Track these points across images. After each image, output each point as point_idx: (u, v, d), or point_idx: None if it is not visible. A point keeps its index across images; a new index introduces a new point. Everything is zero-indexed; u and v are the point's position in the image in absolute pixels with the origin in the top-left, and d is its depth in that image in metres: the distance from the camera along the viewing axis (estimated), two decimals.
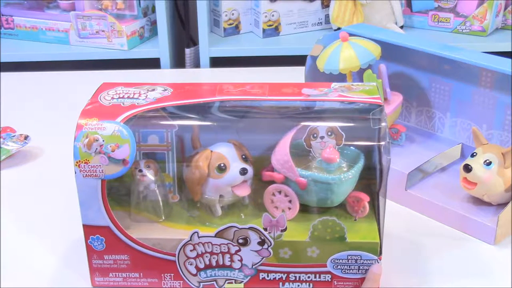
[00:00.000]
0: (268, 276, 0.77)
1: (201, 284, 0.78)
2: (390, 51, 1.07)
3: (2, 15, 1.65)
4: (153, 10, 1.65)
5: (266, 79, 0.85)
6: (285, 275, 0.77)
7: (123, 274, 0.78)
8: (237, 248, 0.76)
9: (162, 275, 0.78)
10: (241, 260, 0.76)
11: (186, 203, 0.81)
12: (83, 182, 0.73)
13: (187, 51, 1.68)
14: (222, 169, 0.77)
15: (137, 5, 1.60)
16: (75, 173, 0.73)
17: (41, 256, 0.87)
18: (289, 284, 0.78)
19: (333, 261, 0.76)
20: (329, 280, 0.77)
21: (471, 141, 1.03)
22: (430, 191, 0.97)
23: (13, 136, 1.13)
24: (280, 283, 0.78)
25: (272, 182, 0.79)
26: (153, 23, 1.66)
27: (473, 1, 1.58)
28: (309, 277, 0.77)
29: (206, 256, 0.76)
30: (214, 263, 0.76)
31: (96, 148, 0.72)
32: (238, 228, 0.75)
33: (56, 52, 1.60)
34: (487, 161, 0.90)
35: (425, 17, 1.65)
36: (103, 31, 1.57)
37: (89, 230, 0.76)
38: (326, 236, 0.75)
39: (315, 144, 0.81)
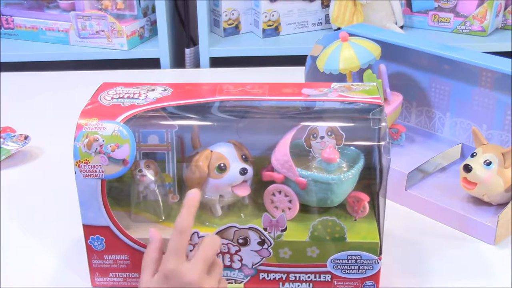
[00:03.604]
0: (268, 276, 0.77)
1: None
2: (390, 51, 1.07)
3: (2, 15, 1.65)
4: (153, 10, 1.65)
5: (266, 79, 0.85)
6: (285, 275, 0.77)
7: (123, 274, 0.78)
8: (237, 248, 0.76)
9: None
10: (241, 260, 0.76)
11: None
12: (83, 182, 0.73)
13: (187, 51, 1.68)
14: (222, 169, 0.77)
15: (137, 5, 1.60)
16: (75, 173, 0.73)
17: (41, 256, 0.87)
18: (289, 284, 0.78)
19: (333, 261, 0.76)
20: (329, 280, 0.77)
21: (471, 141, 1.03)
22: (430, 191, 0.97)
23: (13, 136, 1.13)
24: (280, 283, 0.78)
25: (272, 182, 0.79)
26: (153, 23, 1.66)
27: (473, 1, 1.58)
28: (309, 277, 0.77)
29: None
30: None
31: (96, 148, 0.72)
32: (238, 228, 0.75)
33: (56, 52, 1.60)
34: (487, 161, 0.90)
35: (425, 17, 1.65)
36: (103, 31, 1.57)
37: (89, 230, 0.76)
38: (326, 236, 0.75)
39: (315, 144, 0.81)
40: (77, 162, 0.72)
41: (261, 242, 0.75)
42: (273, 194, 0.80)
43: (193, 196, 0.70)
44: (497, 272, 0.83)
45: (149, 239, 0.72)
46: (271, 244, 0.75)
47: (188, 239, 0.69)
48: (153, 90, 0.79)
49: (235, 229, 0.75)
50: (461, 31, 1.61)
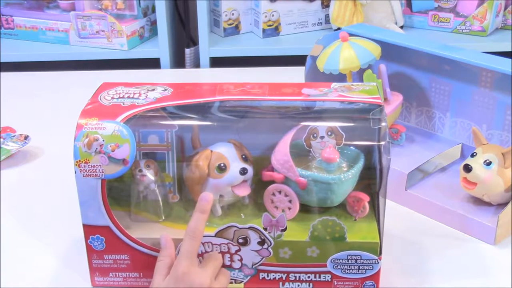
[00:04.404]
0: (268, 276, 0.77)
1: None
2: (390, 51, 1.07)
3: (2, 15, 1.65)
4: (153, 10, 1.65)
5: (266, 79, 0.85)
6: (285, 275, 0.77)
7: (123, 274, 0.78)
8: (237, 248, 0.76)
9: None
10: (241, 260, 0.76)
11: (186, 203, 0.81)
12: (83, 182, 0.73)
13: (187, 51, 1.68)
14: (222, 169, 0.77)
15: (137, 5, 1.60)
16: (75, 173, 0.73)
17: (41, 256, 0.87)
18: (289, 284, 0.78)
19: (333, 261, 0.76)
20: (329, 280, 0.77)
21: (471, 141, 1.03)
22: (430, 191, 0.97)
23: (13, 136, 1.13)
24: (280, 283, 0.78)
25: (272, 182, 0.79)
26: (153, 23, 1.66)
27: (473, 1, 1.58)
28: (309, 277, 0.77)
29: None
30: None
31: (96, 148, 0.72)
32: (238, 228, 0.75)
33: (56, 52, 1.60)
34: (487, 161, 0.90)
35: (425, 17, 1.65)
36: (103, 31, 1.57)
37: (89, 230, 0.76)
38: (326, 236, 0.75)
39: (315, 144, 0.81)
40: (77, 162, 0.72)
41: (261, 242, 0.75)
42: (273, 194, 0.80)
43: (206, 201, 0.72)
44: (497, 272, 0.83)
45: (161, 245, 0.74)
46: (271, 244, 0.75)
47: (200, 243, 0.71)
48: (153, 90, 0.79)
49: (235, 229, 0.75)
50: (461, 31, 1.61)
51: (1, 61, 1.57)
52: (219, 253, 0.76)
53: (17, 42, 1.65)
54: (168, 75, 1.58)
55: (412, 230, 0.92)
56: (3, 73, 1.52)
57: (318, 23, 1.69)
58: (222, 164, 0.77)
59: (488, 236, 0.88)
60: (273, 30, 1.65)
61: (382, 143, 0.74)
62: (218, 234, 0.75)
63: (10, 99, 1.39)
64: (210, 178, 0.78)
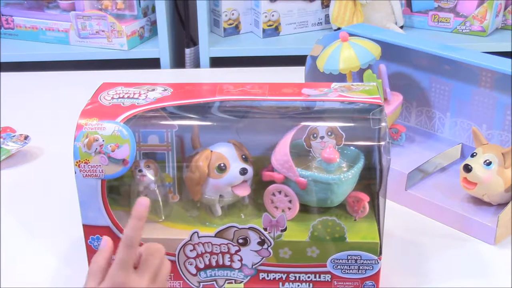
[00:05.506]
0: (268, 276, 0.77)
1: (201, 284, 0.78)
2: (390, 51, 1.07)
3: (2, 15, 1.65)
4: (153, 10, 1.65)
5: (266, 79, 0.85)
6: (285, 275, 0.77)
7: None
8: (237, 248, 0.76)
9: None
10: (241, 260, 0.76)
11: (186, 203, 0.81)
12: (83, 182, 0.73)
13: (187, 51, 1.68)
14: (222, 169, 0.77)
15: (137, 5, 1.60)
16: (75, 173, 0.73)
17: (41, 256, 0.87)
18: (289, 284, 0.78)
19: (333, 261, 0.76)
20: (329, 280, 0.77)
21: (471, 141, 1.03)
22: (430, 191, 0.97)
23: (13, 136, 1.13)
24: (280, 283, 0.78)
25: (272, 182, 0.79)
26: (153, 23, 1.66)
27: (473, 1, 1.58)
28: (309, 277, 0.77)
29: (206, 256, 0.76)
30: (214, 263, 0.76)
31: (96, 148, 0.72)
32: (238, 228, 0.75)
33: (56, 52, 1.60)
34: (487, 161, 0.90)
35: (425, 17, 1.65)
36: (103, 31, 1.57)
37: (89, 230, 0.76)
38: (326, 236, 0.75)
39: (315, 144, 0.81)
40: (77, 162, 0.72)
41: (261, 242, 0.75)
42: (273, 194, 0.80)
43: (141, 206, 0.65)
44: (497, 272, 0.83)
45: (100, 246, 0.68)
46: (271, 244, 0.75)
47: (136, 252, 0.66)
48: (153, 90, 0.79)
49: (235, 229, 0.75)
50: (461, 31, 1.61)
51: (1, 61, 1.57)
52: (218, 253, 0.76)
53: (17, 42, 1.65)
54: (168, 75, 1.58)
55: (412, 230, 0.92)
56: (3, 73, 1.52)
57: (318, 23, 1.69)
58: (222, 164, 0.77)
59: (488, 236, 0.88)
60: (273, 30, 1.65)
61: (382, 143, 0.74)
62: (218, 235, 0.75)
63: (10, 99, 1.39)
64: (210, 178, 0.78)
